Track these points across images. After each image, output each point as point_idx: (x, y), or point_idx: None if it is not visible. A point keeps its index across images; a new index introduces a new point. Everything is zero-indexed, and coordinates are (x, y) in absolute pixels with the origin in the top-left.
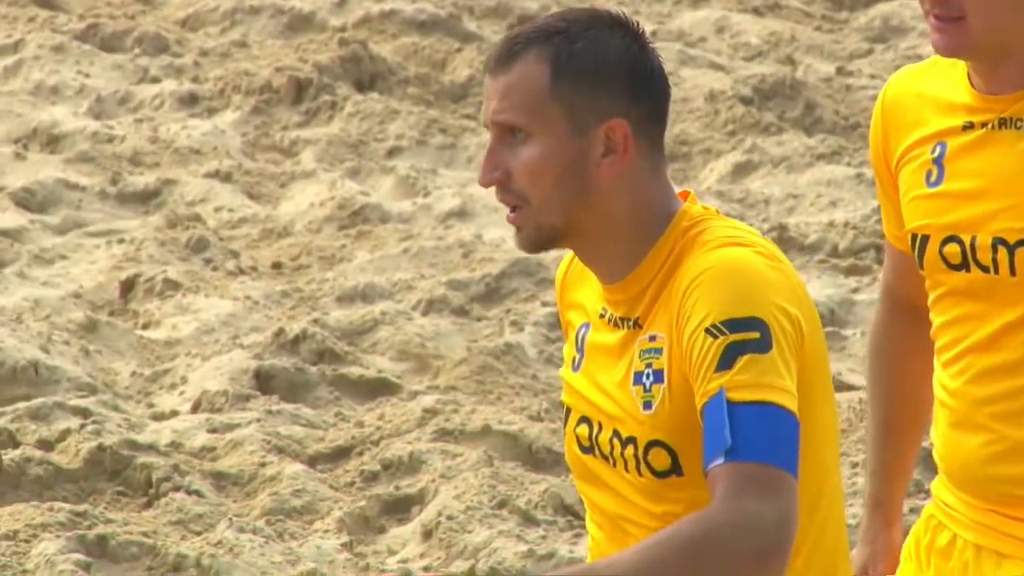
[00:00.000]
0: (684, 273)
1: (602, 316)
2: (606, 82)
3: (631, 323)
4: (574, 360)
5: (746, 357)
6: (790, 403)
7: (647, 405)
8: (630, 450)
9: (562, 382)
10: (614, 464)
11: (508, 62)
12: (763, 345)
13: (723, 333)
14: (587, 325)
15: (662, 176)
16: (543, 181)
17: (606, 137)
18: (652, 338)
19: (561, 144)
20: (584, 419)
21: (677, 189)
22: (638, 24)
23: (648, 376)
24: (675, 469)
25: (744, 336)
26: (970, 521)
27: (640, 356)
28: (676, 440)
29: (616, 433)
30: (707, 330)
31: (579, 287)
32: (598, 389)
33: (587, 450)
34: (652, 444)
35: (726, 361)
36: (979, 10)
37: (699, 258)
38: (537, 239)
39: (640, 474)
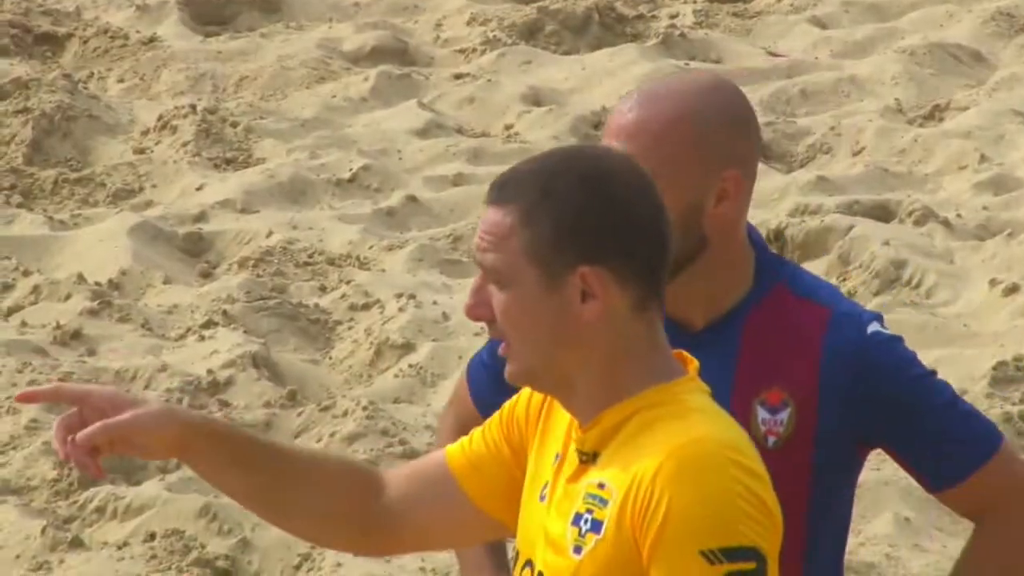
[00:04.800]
0: (654, 441)
1: (575, 451)
2: (577, 233)
3: (588, 456)
4: (544, 486)
5: None
6: None
7: (577, 549)
8: None
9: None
10: None
11: (493, 202)
12: (759, 575)
13: (720, 561)
14: (559, 456)
15: (654, 329)
16: (521, 329)
17: (582, 282)
18: (601, 485)
19: (534, 296)
20: (528, 563)
21: None
22: (642, 171)
23: (586, 521)
24: None
25: (742, 567)
26: None
27: (584, 498)
28: None
29: (540, 574)
30: (703, 553)
31: (561, 411)
32: (544, 527)
33: None
34: None
35: None
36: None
37: (674, 435)
38: (521, 376)
39: None
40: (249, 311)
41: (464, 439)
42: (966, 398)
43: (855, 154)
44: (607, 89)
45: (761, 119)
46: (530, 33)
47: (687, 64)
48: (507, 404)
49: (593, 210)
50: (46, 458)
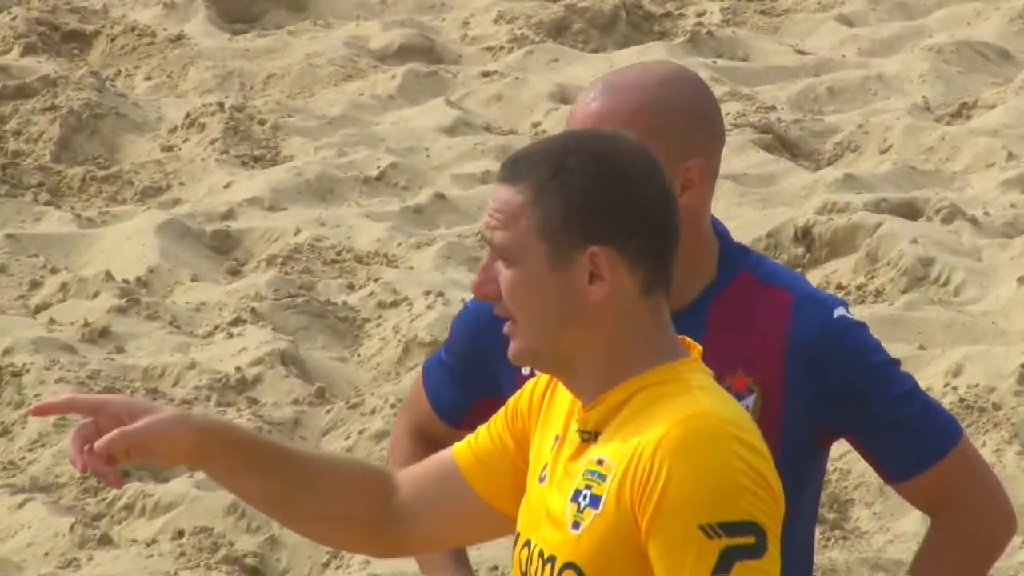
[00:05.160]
0: (655, 417)
1: (576, 432)
2: (587, 212)
3: (590, 435)
4: (544, 467)
5: (741, 564)
6: None
7: (575, 525)
8: (548, 569)
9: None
10: None
11: (504, 180)
12: (758, 550)
13: (718, 535)
14: (558, 438)
15: (660, 312)
16: (527, 308)
17: (590, 263)
18: (600, 462)
19: (542, 274)
20: (528, 543)
21: None
22: (653, 156)
23: (584, 497)
24: None
25: (740, 542)
26: None
27: (584, 474)
28: (591, 568)
29: (540, 552)
30: (701, 527)
31: (562, 396)
32: (545, 506)
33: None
34: (567, 566)
35: (723, 565)
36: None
37: (675, 411)
38: (525, 355)
39: None
40: (277, 308)
41: (470, 436)
42: (993, 396)
43: (883, 152)
44: None
45: (788, 117)
46: (557, 31)
47: (715, 62)
48: (511, 400)
49: (604, 190)
50: None
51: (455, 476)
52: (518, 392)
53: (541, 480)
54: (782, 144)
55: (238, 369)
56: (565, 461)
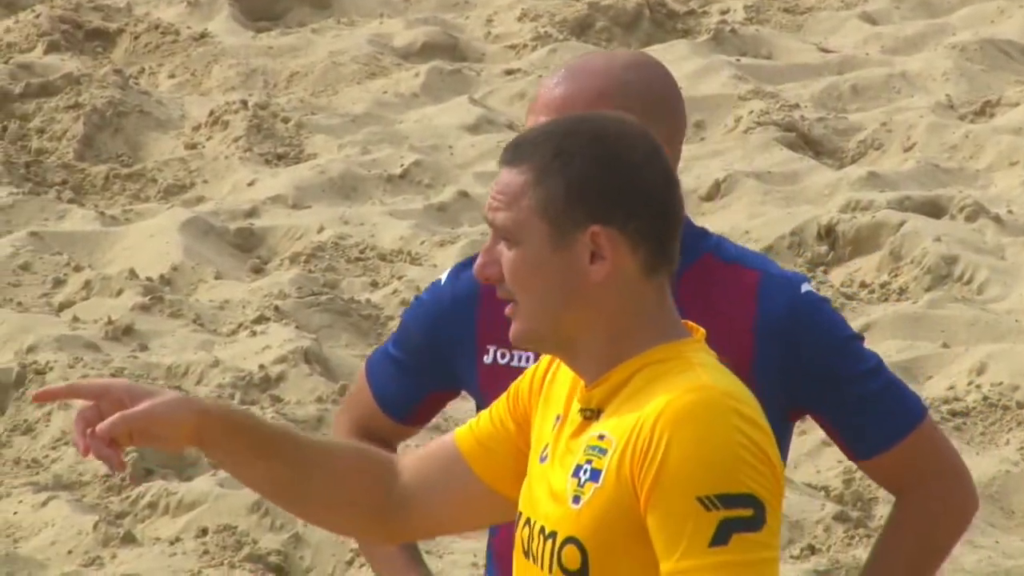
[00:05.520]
0: (658, 392)
1: (579, 411)
2: (588, 192)
3: (592, 412)
4: (545, 447)
5: (739, 536)
6: (774, 572)
7: (575, 499)
8: (549, 545)
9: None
10: (538, 563)
11: (507, 163)
12: (756, 523)
13: (716, 507)
14: (559, 417)
15: (663, 292)
16: (529, 289)
17: (591, 242)
18: (601, 436)
19: (543, 254)
20: (528, 521)
21: None
22: (654, 139)
23: (585, 472)
24: (583, 571)
25: (738, 514)
26: None
27: (585, 450)
28: (591, 542)
29: (542, 529)
30: (700, 499)
31: (563, 377)
32: (548, 485)
33: (526, 554)
34: (568, 540)
35: (721, 537)
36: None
37: (677, 385)
38: (527, 336)
39: (550, 571)
40: (301, 306)
41: (472, 421)
42: (1017, 395)
43: (906, 150)
44: None
45: (812, 115)
46: (581, 29)
47: (738, 60)
48: (512, 384)
49: (605, 171)
50: None
51: (457, 460)
52: (520, 376)
53: (542, 460)
54: (806, 142)
55: (261, 367)
56: (567, 439)
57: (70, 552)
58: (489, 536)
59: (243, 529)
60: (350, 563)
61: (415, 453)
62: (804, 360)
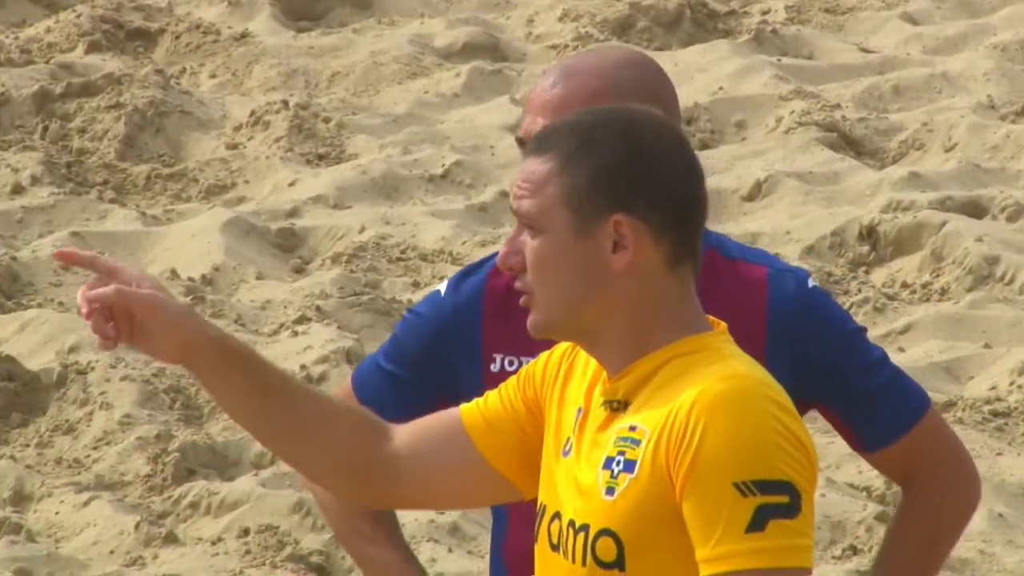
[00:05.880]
0: (690, 382)
1: (601, 404)
2: (612, 181)
3: (619, 404)
4: (567, 441)
5: (776, 522)
6: (809, 560)
7: (609, 491)
8: (581, 538)
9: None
10: (569, 557)
11: (532, 153)
12: (792, 510)
13: (753, 493)
14: (581, 410)
15: (686, 286)
16: (551, 277)
17: (614, 231)
18: (632, 428)
19: (566, 242)
20: (556, 515)
21: None
22: (680, 132)
23: (618, 463)
24: (619, 563)
25: (775, 500)
26: None
27: (615, 442)
28: (627, 533)
29: (571, 522)
30: (736, 485)
31: (581, 368)
32: (574, 479)
33: (555, 547)
34: (603, 532)
35: (757, 523)
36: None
37: (711, 374)
38: (545, 326)
39: (584, 563)
40: (342, 306)
41: (479, 400)
42: None
43: (947, 150)
44: (699, 85)
45: (853, 115)
46: (622, 29)
47: (779, 60)
48: (524, 368)
49: (630, 161)
50: (140, 453)
51: (459, 433)
52: (533, 360)
53: (565, 454)
54: (847, 142)
55: (303, 367)
56: (593, 432)
57: (112, 552)
58: (496, 539)
59: (285, 529)
60: None
61: (413, 422)
62: (813, 354)
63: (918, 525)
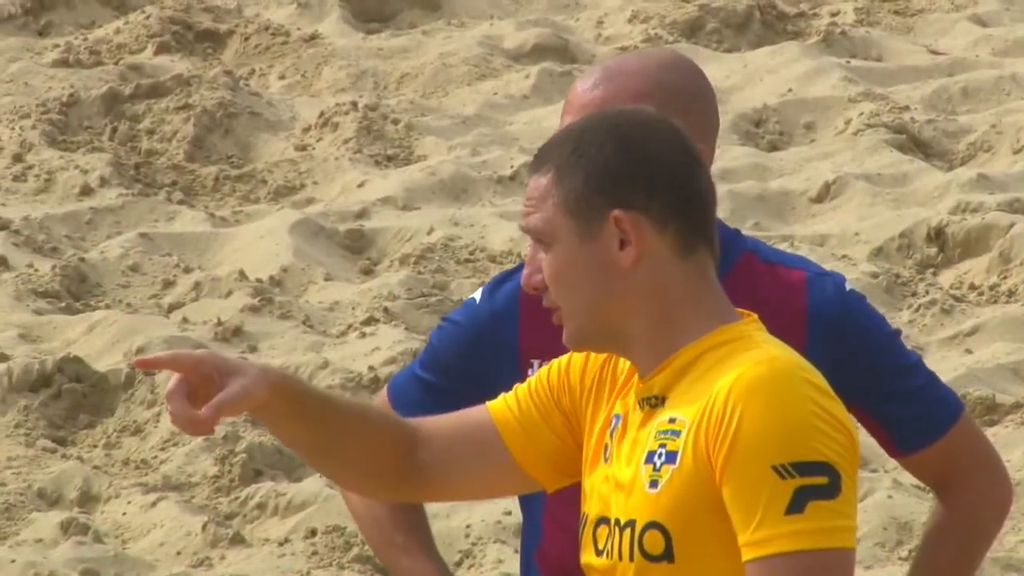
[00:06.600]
0: (726, 370)
1: (638, 405)
2: (605, 180)
3: (657, 400)
4: (606, 449)
5: (815, 504)
6: (851, 540)
7: (653, 484)
8: (627, 534)
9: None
10: (615, 556)
11: (533, 170)
12: (832, 490)
13: (791, 475)
14: (618, 417)
15: (704, 273)
16: (569, 288)
17: (616, 228)
18: (672, 420)
19: (574, 249)
20: (602, 519)
21: None
22: (674, 124)
23: (660, 456)
24: (667, 555)
25: (813, 482)
26: None
27: (656, 436)
28: (674, 524)
29: (616, 521)
30: (775, 468)
31: (612, 378)
32: (615, 480)
33: (600, 552)
34: (650, 525)
35: (796, 505)
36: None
37: (747, 360)
38: (578, 337)
39: (632, 559)
40: (410, 308)
41: (508, 396)
42: None
43: (1016, 152)
44: (768, 87)
45: (922, 117)
46: (691, 31)
47: (848, 62)
48: (554, 368)
49: (621, 155)
50: (207, 454)
51: (492, 437)
52: (564, 365)
53: (606, 460)
54: (915, 144)
55: (371, 368)
56: (633, 432)
57: (179, 553)
58: (529, 545)
59: (352, 530)
60: (459, 564)
61: (438, 423)
62: (851, 356)
63: (956, 529)
